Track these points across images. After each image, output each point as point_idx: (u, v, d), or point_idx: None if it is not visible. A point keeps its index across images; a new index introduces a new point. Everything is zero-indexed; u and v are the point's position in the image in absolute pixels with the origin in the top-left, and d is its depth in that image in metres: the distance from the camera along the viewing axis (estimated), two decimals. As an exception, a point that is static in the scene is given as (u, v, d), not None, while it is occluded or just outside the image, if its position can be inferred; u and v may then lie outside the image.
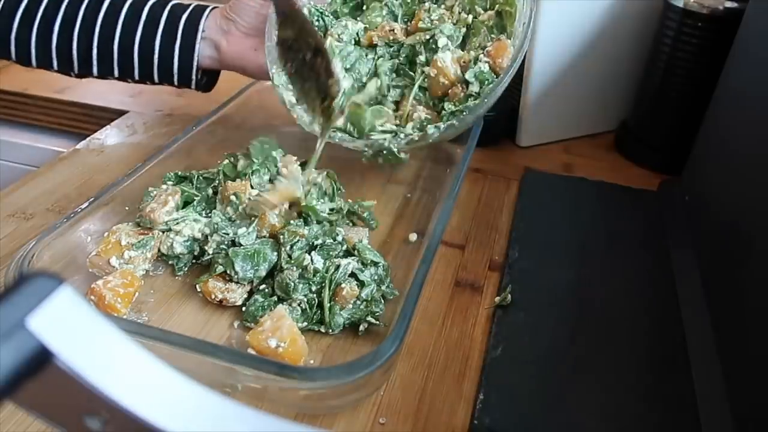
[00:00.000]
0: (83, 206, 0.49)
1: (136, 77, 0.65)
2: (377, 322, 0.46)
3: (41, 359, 0.16)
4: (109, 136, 0.78)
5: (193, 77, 0.64)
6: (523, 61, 0.72)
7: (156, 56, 0.63)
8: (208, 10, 0.64)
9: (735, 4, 0.62)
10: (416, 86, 0.60)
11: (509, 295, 0.51)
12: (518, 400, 0.42)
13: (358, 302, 0.47)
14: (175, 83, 0.65)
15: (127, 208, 0.54)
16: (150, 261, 0.51)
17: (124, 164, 0.70)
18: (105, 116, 0.86)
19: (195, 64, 0.63)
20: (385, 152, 0.58)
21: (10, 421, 0.40)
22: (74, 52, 0.62)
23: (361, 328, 0.46)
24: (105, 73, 0.65)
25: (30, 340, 0.16)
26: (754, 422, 0.36)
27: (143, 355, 0.17)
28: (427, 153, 0.69)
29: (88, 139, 0.77)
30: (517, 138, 0.78)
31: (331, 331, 0.46)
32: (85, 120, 0.90)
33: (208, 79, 0.68)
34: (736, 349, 0.42)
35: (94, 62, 0.63)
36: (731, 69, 0.58)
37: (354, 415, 0.41)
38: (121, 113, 0.85)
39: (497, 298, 0.51)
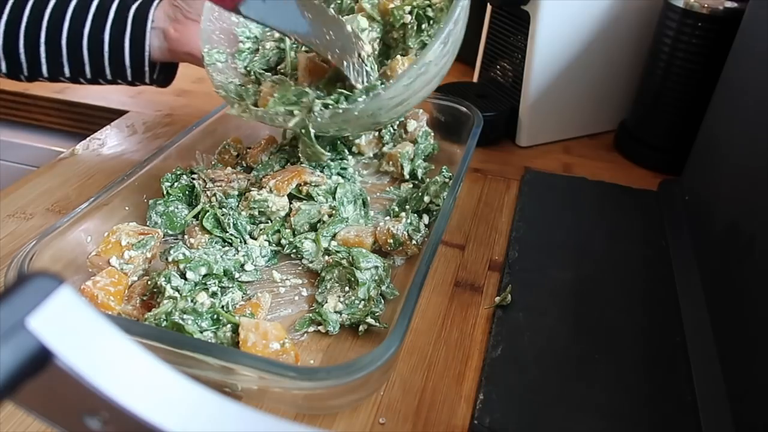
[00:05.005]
0: (83, 206, 0.49)
1: (88, 75, 0.63)
2: (377, 324, 0.46)
3: (41, 359, 0.16)
4: (109, 136, 0.78)
5: (146, 69, 0.62)
6: (523, 59, 0.72)
7: (106, 49, 0.61)
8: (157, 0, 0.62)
9: (735, 4, 0.62)
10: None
11: (509, 295, 0.51)
12: (518, 400, 0.42)
13: (357, 302, 0.47)
14: (129, 78, 0.63)
15: (127, 208, 0.54)
16: (150, 261, 0.51)
17: (124, 164, 0.70)
18: (105, 116, 0.86)
19: (147, 55, 0.61)
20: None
21: (10, 421, 0.40)
22: (21, 51, 0.60)
23: (361, 328, 0.46)
24: (55, 74, 0.62)
25: (30, 340, 0.16)
26: (754, 422, 0.36)
27: (143, 355, 0.17)
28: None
29: (88, 139, 0.77)
30: (517, 138, 0.78)
31: (331, 330, 0.46)
32: (85, 120, 0.90)
33: (165, 74, 0.66)
34: (735, 349, 0.42)
35: (43, 62, 0.61)
36: (731, 69, 0.58)
37: (354, 415, 0.41)
38: (121, 113, 0.85)
39: (497, 298, 0.51)
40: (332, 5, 0.62)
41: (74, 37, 0.60)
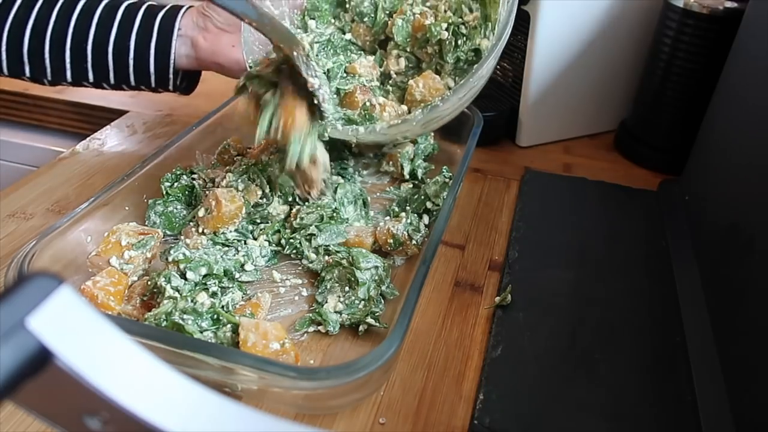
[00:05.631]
0: (83, 206, 0.49)
1: (112, 81, 0.63)
2: (377, 324, 0.46)
3: (41, 359, 0.16)
4: (109, 136, 0.78)
5: (170, 77, 0.63)
6: (523, 59, 0.72)
7: (131, 56, 0.61)
8: (184, 8, 0.62)
9: (735, 4, 0.62)
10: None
11: (509, 295, 0.51)
12: (518, 400, 0.42)
13: (357, 302, 0.47)
14: (153, 85, 0.63)
15: (127, 208, 0.54)
16: (150, 261, 0.51)
17: (124, 164, 0.70)
18: (105, 116, 0.86)
19: (172, 62, 0.61)
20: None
21: (10, 421, 0.40)
22: (46, 56, 0.60)
23: (361, 328, 0.46)
24: (79, 79, 0.62)
25: (30, 340, 0.16)
26: (754, 422, 0.36)
27: (143, 355, 0.17)
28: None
29: (88, 139, 0.77)
30: (517, 138, 0.78)
31: (331, 330, 0.46)
32: (85, 120, 0.90)
33: (188, 81, 0.66)
34: (736, 349, 0.42)
35: (67, 66, 0.61)
36: (731, 69, 0.58)
37: (354, 415, 0.41)
38: (121, 113, 0.85)
39: (497, 298, 0.51)
40: (366, 18, 0.64)
41: (100, 44, 0.60)
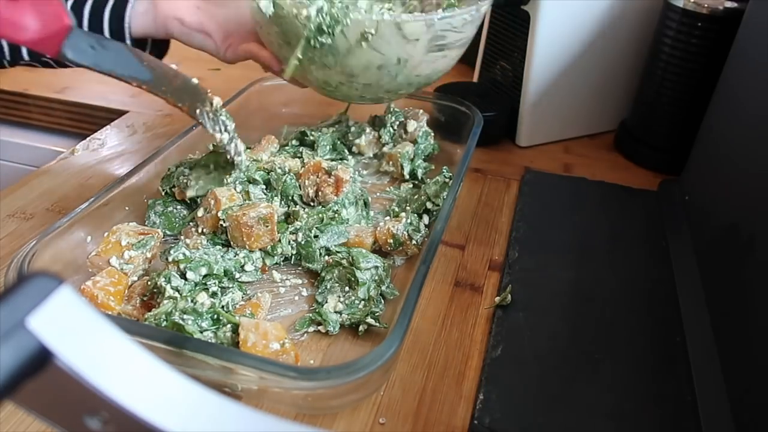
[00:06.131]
0: (83, 206, 0.49)
1: None
2: (377, 324, 0.46)
3: (41, 359, 0.16)
4: (109, 136, 0.78)
5: (127, 41, 0.60)
6: (523, 59, 0.72)
7: (85, 24, 0.58)
8: None
9: (735, 4, 0.62)
10: None
11: (509, 295, 0.51)
12: (518, 400, 0.42)
13: (357, 302, 0.47)
14: None
15: (127, 208, 0.54)
16: (150, 261, 0.51)
17: (124, 164, 0.70)
18: (105, 116, 0.86)
19: (127, 26, 0.59)
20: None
21: (10, 421, 0.40)
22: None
23: (361, 328, 0.46)
24: (37, 54, 0.60)
25: (30, 340, 0.16)
26: (754, 422, 0.36)
27: (143, 355, 0.17)
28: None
29: (88, 139, 0.77)
30: (517, 138, 0.78)
31: (331, 330, 0.46)
32: (85, 120, 0.90)
33: (156, 50, 0.64)
34: (736, 349, 0.42)
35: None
36: (731, 69, 0.58)
37: (354, 415, 0.41)
38: (121, 113, 0.85)
39: (497, 298, 0.51)
40: None
41: None
